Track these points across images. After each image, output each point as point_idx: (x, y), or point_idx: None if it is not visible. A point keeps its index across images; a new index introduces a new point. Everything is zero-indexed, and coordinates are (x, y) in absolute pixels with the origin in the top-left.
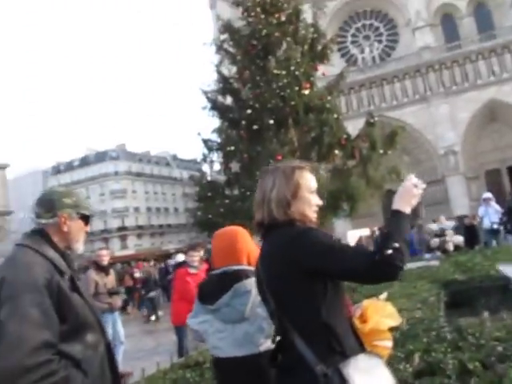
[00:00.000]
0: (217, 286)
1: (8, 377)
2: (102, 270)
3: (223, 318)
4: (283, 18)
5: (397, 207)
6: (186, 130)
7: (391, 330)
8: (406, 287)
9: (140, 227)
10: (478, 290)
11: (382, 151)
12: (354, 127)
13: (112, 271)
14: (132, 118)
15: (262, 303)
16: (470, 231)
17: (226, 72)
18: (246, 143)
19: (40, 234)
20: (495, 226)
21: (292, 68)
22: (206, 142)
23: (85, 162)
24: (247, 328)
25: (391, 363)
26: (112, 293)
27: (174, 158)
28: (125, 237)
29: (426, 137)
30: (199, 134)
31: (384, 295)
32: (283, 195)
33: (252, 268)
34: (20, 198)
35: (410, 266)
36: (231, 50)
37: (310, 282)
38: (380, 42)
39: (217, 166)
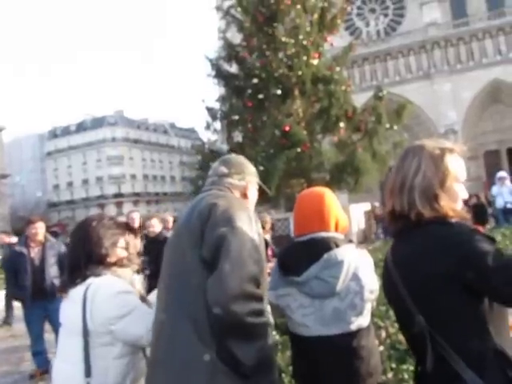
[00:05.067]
0: (303, 255)
1: (226, 296)
2: (133, 231)
3: (310, 291)
4: None
5: None
6: (185, 98)
7: None
8: None
9: (136, 194)
10: None
11: (387, 126)
12: (356, 101)
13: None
14: (131, 84)
15: (399, 314)
16: (477, 210)
17: (231, 39)
18: (251, 112)
19: (228, 190)
20: (509, 206)
21: (301, 37)
22: (209, 109)
23: (82, 126)
24: (337, 304)
25: None
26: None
27: (172, 126)
28: (121, 203)
29: (428, 114)
30: (203, 101)
31: None
32: (429, 183)
33: (342, 236)
34: (16, 161)
35: None
36: (238, 16)
37: (473, 297)
38: (386, 15)
39: (216, 136)
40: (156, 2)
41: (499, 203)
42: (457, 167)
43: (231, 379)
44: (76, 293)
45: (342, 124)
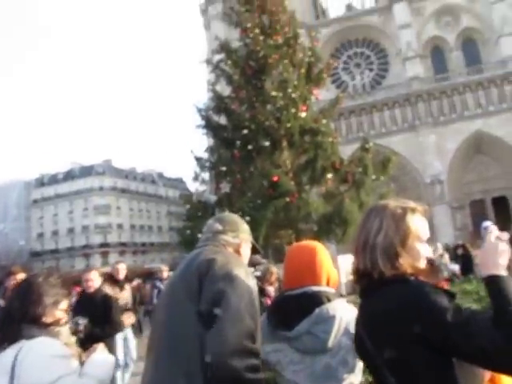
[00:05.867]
0: (294, 310)
1: (225, 351)
2: (117, 284)
3: (301, 347)
4: (281, 41)
5: (489, 273)
6: (173, 148)
7: None
8: None
9: (123, 244)
10: None
11: (374, 177)
12: (342, 153)
13: (128, 287)
14: (119, 133)
15: (370, 373)
16: (463, 260)
17: (220, 91)
18: (239, 163)
19: (223, 247)
20: None
21: (289, 90)
22: (198, 160)
23: (70, 175)
24: (328, 360)
25: None
26: (124, 310)
27: (160, 176)
28: (106, 253)
29: (414, 165)
30: (192, 151)
31: None
32: (390, 242)
33: (333, 290)
34: (1, 209)
35: None
36: (227, 69)
37: (439, 356)
38: (371, 70)
39: (204, 187)
40: (145, 52)
41: None
42: (419, 226)
43: None
44: (5, 357)
45: (329, 175)
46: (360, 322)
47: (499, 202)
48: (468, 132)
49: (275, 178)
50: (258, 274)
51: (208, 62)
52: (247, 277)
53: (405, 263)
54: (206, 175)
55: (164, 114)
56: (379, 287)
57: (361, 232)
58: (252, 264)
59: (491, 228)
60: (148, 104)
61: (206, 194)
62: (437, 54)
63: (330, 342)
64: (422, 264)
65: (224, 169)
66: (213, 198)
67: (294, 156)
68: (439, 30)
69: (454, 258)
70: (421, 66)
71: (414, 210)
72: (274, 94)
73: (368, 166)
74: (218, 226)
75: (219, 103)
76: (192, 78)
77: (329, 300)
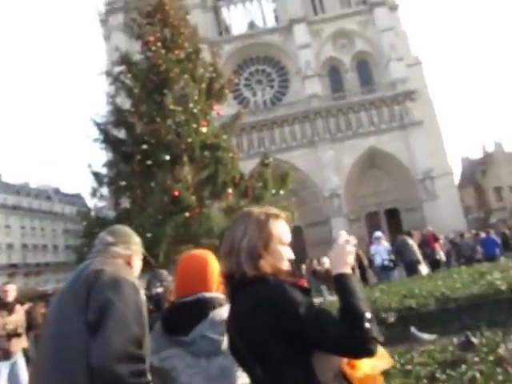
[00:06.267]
0: (189, 315)
1: (109, 357)
2: (4, 307)
3: (197, 350)
4: (183, 55)
5: (338, 271)
6: (71, 162)
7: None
8: None
9: (13, 265)
10: (380, 322)
11: (274, 191)
12: (244, 168)
13: (20, 309)
14: (9, 146)
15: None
16: (358, 269)
17: (120, 104)
18: (139, 178)
19: (113, 258)
20: (386, 263)
21: (190, 105)
22: (96, 175)
23: None
24: (223, 362)
25: None
26: (13, 335)
27: (56, 191)
28: None
29: (313, 179)
30: (89, 166)
31: None
32: (254, 245)
33: (223, 296)
34: None
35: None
36: (128, 82)
37: (296, 344)
38: (272, 87)
39: (103, 202)
40: (42, 62)
41: (377, 261)
42: (281, 231)
43: None
44: None
45: (229, 190)
46: (229, 322)
47: (391, 214)
48: (363, 148)
49: (176, 193)
50: (159, 290)
51: (108, 73)
52: (135, 287)
53: (266, 264)
54: (104, 190)
55: (60, 126)
56: (243, 288)
57: (228, 238)
58: (159, 279)
59: (341, 233)
60: (43, 115)
61: (105, 210)
62: (334, 73)
63: (224, 345)
64: (285, 265)
65: (123, 184)
66: (112, 214)
67: (194, 171)
68: (336, 51)
69: None
70: (319, 85)
71: (276, 216)
72: (174, 108)
73: (268, 181)
74: (109, 238)
75: (119, 117)
76: (90, 90)
77: (220, 305)
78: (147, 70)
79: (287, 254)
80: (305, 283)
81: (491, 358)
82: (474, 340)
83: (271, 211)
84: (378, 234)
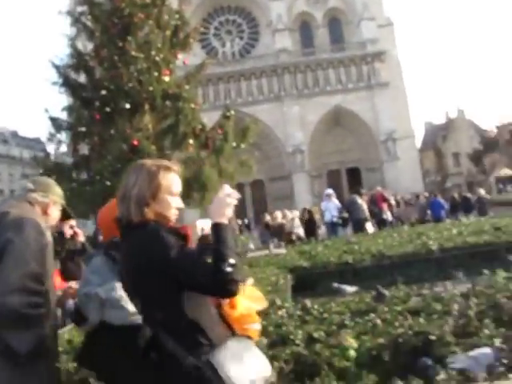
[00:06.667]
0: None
1: (6, 291)
2: None
3: None
4: (148, 0)
5: (215, 220)
6: (30, 105)
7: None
8: (256, 272)
9: None
10: (319, 275)
11: (234, 144)
12: (209, 119)
13: None
14: None
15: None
16: (308, 224)
17: (81, 47)
18: (99, 125)
19: (29, 203)
20: (335, 220)
21: (152, 53)
22: (53, 120)
23: None
24: None
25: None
26: None
27: (14, 134)
28: None
29: (277, 134)
30: (46, 110)
31: (250, 281)
32: (143, 195)
33: None
34: None
35: (258, 253)
36: (89, 24)
37: (168, 282)
38: (241, 38)
39: (64, 148)
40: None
41: (327, 217)
42: (171, 182)
43: (6, 369)
44: None
45: (190, 141)
46: (122, 259)
47: (353, 172)
48: (329, 106)
49: (135, 142)
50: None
51: (68, 13)
52: (39, 228)
53: (150, 212)
54: (63, 136)
55: (18, 66)
56: (129, 231)
57: (121, 186)
58: None
59: (224, 186)
60: None
61: (65, 156)
62: (305, 29)
63: None
64: (172, 213)
65: (83, 130)
66: (70, 161)
67: (155, 120)
68: (308, 6)
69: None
70: (289, 39)
71: (167, 168)
72: (135, 54)
73: (228, 134)
74: (30, 185)
75: (79, 60)
76: (49, 29)
77: None
78: (110, 13)
79: (176, 203)
80: (187, 230)
81: (398, 308)
82: (386, 292)
83: (163, 163)
84: (329, 191)
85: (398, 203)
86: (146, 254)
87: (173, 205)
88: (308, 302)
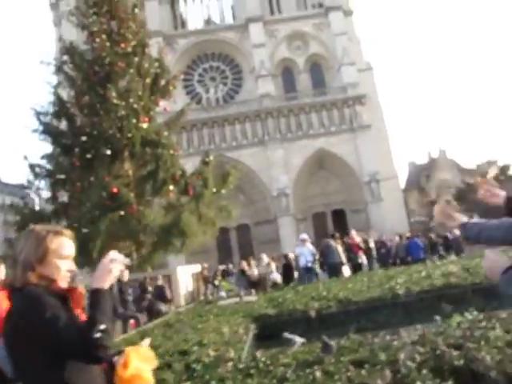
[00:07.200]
0: None
1: None
2: None
3: None
4: (129, 49)
5: (95, 286)
6: (13, 151)
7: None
8: (220, 322)
9: None
10: (285, 323)
11: (215, 190)
12: (193, 164)
13: None
14: None
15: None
16: (286, 269)
17: (62, 94)
18: (78, 172)
19: None
20: (309, 265)
21: (131, 100)
22: (33, 167)
23: None
24: None
25: None
26: None
27: None
28: None
29: (261, 178)
30: (25, 157)
31: (146, 341)
32: (28, 259)
33: None
34: None
35: (229, 301)
36: (71, 73)
37: (42, 348)
38: (225, 84)
39: (46, 194)
40: None
41: (302, 262)
42: (60, 246)
43: None
44: None
45: (170, 187)
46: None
47: (338, 214)
48: (312, 149)
49: (115, 190)
50: None
51: (50, 62)
52: None
53: (34, 275)
54: (42, 183)
55: (4, 111)
56: (11, 296)
57: (13, 251)
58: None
59: (111, 252)
60: None
61: (43, 203)
62: (287, 74)
63: None
64: (61, 275)
65: (62, 177)
66: (49, 208)
67: (135, 167)
68: (290, 52)
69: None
70: (272, 85)
71: (57, 233)
72: (116, 102)
73: (208, 179)
74: None
75: (61, 108)
76: (33, 78)
77: None
78: (92, 62)
79: (66, 266)
80: (74, 292)
81: (345, 359)
82: (332, 344)
83: (53, 228)
84: (304, 236)
85: (383, 244)
86: (21, 317)
87: (62, 268)
88: (259, 354)
